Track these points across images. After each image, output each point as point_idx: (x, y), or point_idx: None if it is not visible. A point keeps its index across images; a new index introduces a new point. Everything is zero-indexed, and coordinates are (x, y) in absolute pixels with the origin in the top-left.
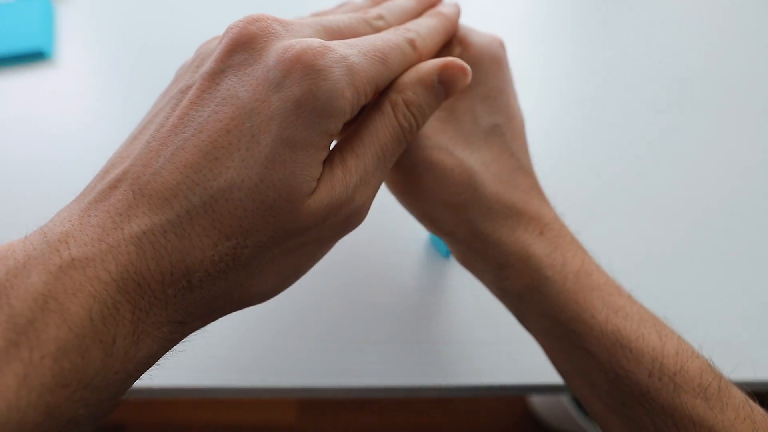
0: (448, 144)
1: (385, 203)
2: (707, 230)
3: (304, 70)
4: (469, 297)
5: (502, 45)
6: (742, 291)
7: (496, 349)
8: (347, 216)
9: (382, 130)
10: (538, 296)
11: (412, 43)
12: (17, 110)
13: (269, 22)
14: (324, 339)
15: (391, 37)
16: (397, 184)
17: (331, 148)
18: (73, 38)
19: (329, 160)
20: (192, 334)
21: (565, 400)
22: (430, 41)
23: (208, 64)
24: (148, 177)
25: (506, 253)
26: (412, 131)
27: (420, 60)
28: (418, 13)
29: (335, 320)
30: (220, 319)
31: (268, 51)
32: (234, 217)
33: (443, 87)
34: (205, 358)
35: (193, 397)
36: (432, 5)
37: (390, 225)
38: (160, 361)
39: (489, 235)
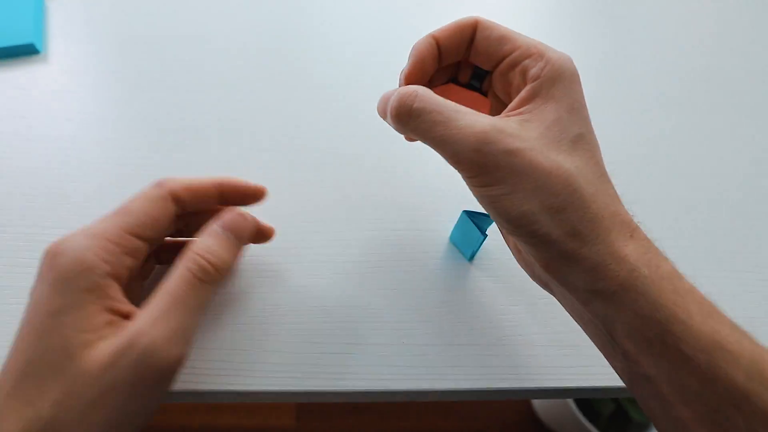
0: (543, 148)
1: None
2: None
3: (48, 256)
4: (469, 301)
5: (573, 61)
6: None
7: (498, 352)
8: (141, 356)
9: (173, 278)
10: (634, 295)
11: (160, 185)
12: (6, 105)
13: (55, 242)
14: (322, 342)
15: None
16: (497, 187)
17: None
18: (64, 33)
19: (137, 314)
20: None
21: (569, 403)
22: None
23: None
24: None
25: (602, 252)
26: (207, 271)
27: (162, 192)
28: None
29: (334, 324)
30: (217, 322)
31: (42, 260)
32: (35, 387)
33: (231, 231)
34: (201, 363)
35: (190, 402)
36: None
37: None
38: None
39: (587, 235)
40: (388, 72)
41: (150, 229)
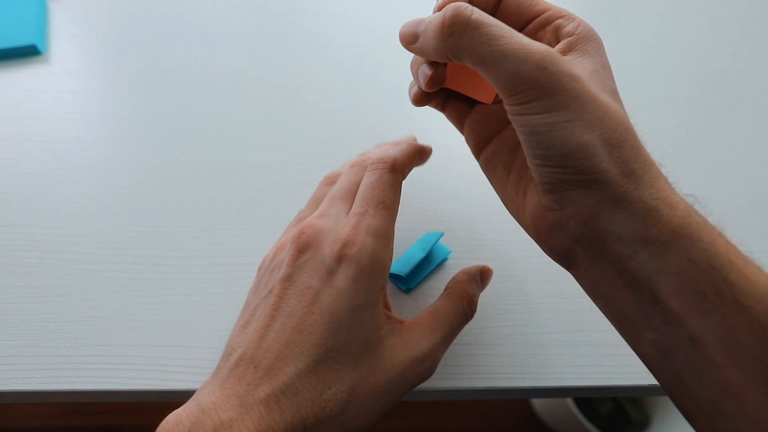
0: (594, 88)
1: None
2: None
3: (348, 256)
4: None
5: None
6: None
7: (498, 351)
8: (421, 371)
9: (454, 316)
10: (688, 242)
11: (393, 167)
12: (9, 106)
13: (314, 225)
14: None
15: (375, 178)
16: (558, 113)
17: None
18: (66, 34)
19: (413, 326)
20: None
21: (568, 402)
22: (402, 157)
23: (283, 270)
24: (261, 355)
25: (655, 196)
26: (471, 315)
27: (402, 165)
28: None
29: None
30: (216, 320)
31: (322, 248)
32: (332, 371)
33: (481, 280)
34: (201, 362)
35: None
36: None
37: None
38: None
39: (641, 176)
40: (382, 78)
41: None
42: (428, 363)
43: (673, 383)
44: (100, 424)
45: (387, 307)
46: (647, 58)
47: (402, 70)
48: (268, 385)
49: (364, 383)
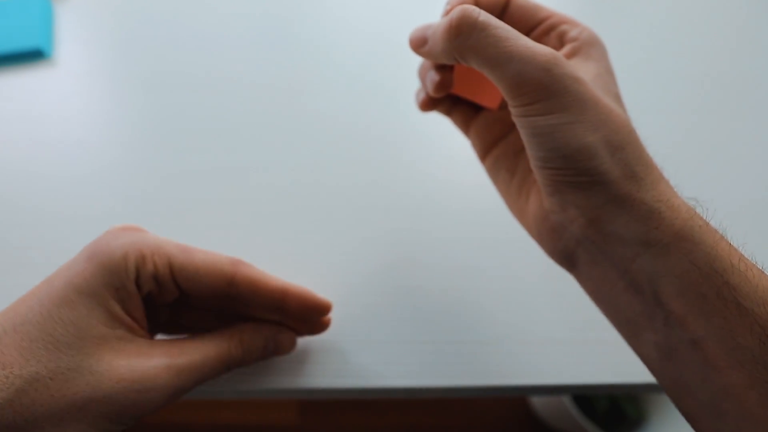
0: (598, 91)
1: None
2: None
3: (98, 238)
4: (468, 297)
5: None
6: None
7: (496, 349)
8: (139, 390)
9: (213, 349)
10: (690, 245)
11: (234, 264)
12: (16, 110)
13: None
14: (323, 340)
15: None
16: (560, 115)
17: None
18: (73, 38)
19: (158, 343)
20: None
21: (565, 400)
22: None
23: None
24: None
25: (657, 199)
26: (238, 362)
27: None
28: None
29: (335, 322)
30: None
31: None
32: (16, 348)
33: (272, 344)
34: None
35: (193, 398)
36: None
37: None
38: None
39: (643, 178)
40: (385, 82)
41: (195, 284)
42: (148, 385)
43: (675, 385)
44: None
45: (141, 326)
46: (648, 61)
47: (406, 73)
48: None
49: (55, 378)
